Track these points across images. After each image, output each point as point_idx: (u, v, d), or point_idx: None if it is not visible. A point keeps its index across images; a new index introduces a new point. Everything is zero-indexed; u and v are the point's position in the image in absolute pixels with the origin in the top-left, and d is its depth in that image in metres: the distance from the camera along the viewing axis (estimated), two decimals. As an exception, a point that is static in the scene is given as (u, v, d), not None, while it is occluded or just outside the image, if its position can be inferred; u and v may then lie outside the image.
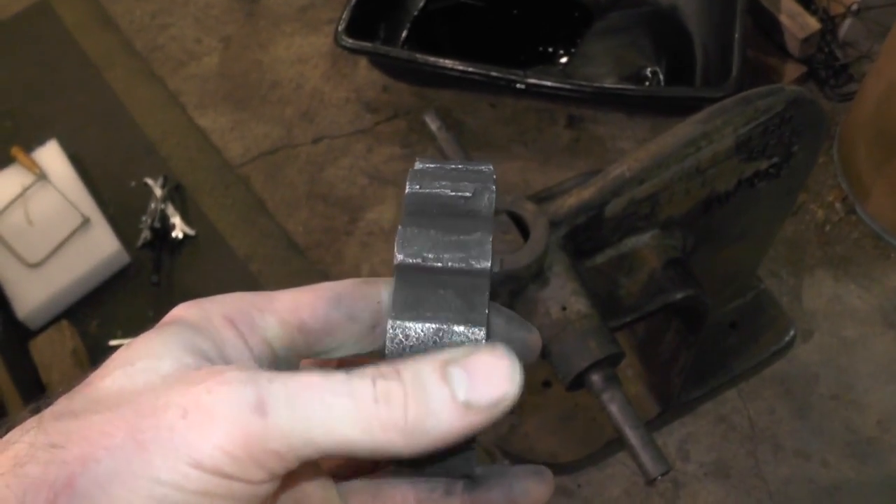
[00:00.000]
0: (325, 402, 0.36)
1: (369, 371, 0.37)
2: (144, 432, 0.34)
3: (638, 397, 1.65)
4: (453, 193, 0.43)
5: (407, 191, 0.43)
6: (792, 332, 1.77)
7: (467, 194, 0.43)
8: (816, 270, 1.90)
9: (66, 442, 0.34)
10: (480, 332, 0.39)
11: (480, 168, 0.44)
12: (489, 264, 0.40)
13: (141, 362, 0.38)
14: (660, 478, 1.03)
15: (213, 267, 1.95)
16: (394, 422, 0.36)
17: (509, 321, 0.46)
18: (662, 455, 1.02)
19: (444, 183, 0.43)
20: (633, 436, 1.01)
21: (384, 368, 0.38)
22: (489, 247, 0.40)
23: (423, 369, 0.38)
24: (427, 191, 0.43)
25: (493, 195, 0.42)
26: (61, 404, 0.37)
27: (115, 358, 0.39)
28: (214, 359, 0.40)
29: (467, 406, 0.37)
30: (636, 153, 1.10)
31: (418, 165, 0.44)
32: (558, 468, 1.66)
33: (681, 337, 1.47)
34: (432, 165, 0.44)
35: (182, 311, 0.43)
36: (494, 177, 0.43)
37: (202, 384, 0.36)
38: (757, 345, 1.75)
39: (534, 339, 0.47)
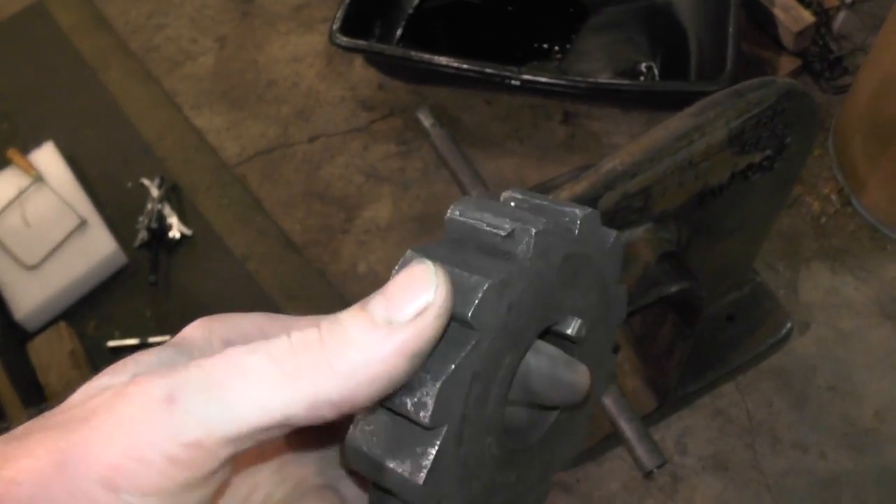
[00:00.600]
0: (242, 370, 0.33)
1: (283, 337, 0.34)
2: (63, 452, 0.33)
3: (635, 392, 1.66)
4: (488, 229, 0.38)
5: (447, 216, 0.39)
6: (789, 325, 1.77)
7: (501, 232, 0.38)
8: (813, 263, 1.91)
9: (3, 463, 0.33)
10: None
11: (562, 209, 0.40)
12: (469, 312, 0.35)
13: (105, 378, 0.36)
14: (656, 470, 1.03)
15: (211, 266, 1.96)
16: (315, 365, 0.33)
17: (553, 363, 0.42)
18: (658, 447, 1.02)
19: (485, 215, 0.39)
20: (628, 428, 1.02)
21: (301, 322, 0.36)
22: (480, 294, 0.35)
23: (340, 313, 0.35)
24: (464, 220, 0.39)
25: (533, 239, 0.37)
26: (29, 422, 0.36)
27: (100, 374, 0.38)
28: None
29: (389, 324, 0.34)
30: (628, 147, 1.10)
31: (506, 194, 0.41)
32: (557, 463, 1.66)
33: (677, 330, 1.47)
34: (520, 195, 0.41)
35: (190, 329, 0.41)
36: (578, 221, 0.39)
37: (121, 390, 0.34)
38: (754, 338, 1.75)
39: (580, 379, 0.43)
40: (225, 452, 0.34)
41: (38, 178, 2.01)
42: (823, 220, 1.95)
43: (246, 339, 0.38)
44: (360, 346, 0.34)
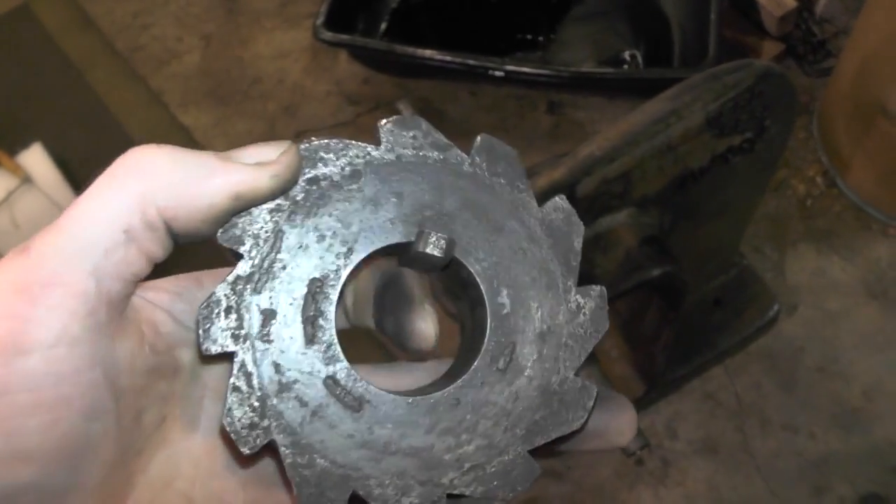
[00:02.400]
0: (85, 199, 0.37)
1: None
2: None
3: (624, 377, 1.67)
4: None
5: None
6: (776, 307, 1.78)
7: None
8: (799, 245, 1.92)
9: None
10: None
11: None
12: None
13: None
14: (638, 451, 1.04)
15: (200, 264, 1.96)
16: (153, 168, 0.38)
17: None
18: (639, 429, 1.03)
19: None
20: (610, 410, 1.03)
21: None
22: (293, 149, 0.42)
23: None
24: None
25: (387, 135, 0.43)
26: None
27: None
28: None
29: (227, 157, 0.40)
30: (606, 132, 1.11)
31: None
32: (549, 449, 1.67)
33: (662, 314, 1.48)
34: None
35: None
36: (475, 155, 0.44)
37: None
38: (741, 321, 1.76)
39: (625, 420, 0.46)
40: (104, 280, 0.37)
41: (26, 180, 2.02)
42: (809, 202, 1.97)
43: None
44: (195, 161, 0.39)
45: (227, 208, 0.40)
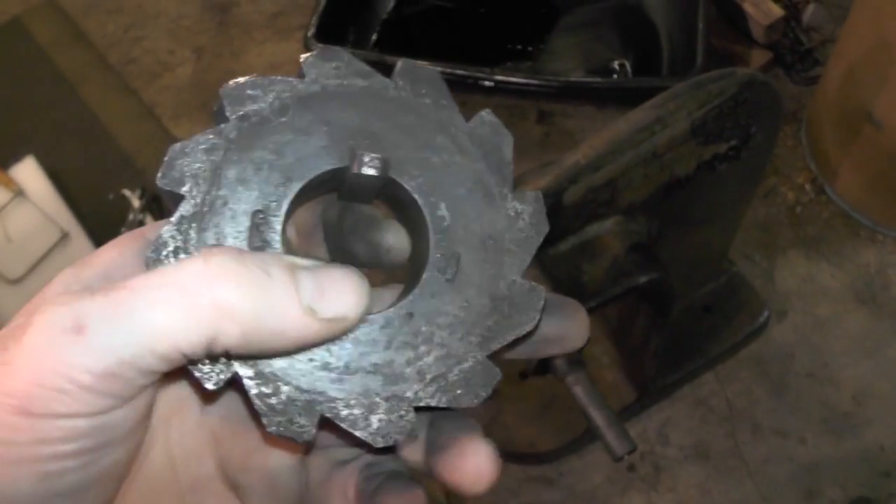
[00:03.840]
0: (150, 299, 0.34)
1: (198, 260, 0.36)
2: None
3: (615, 384, 1.67)
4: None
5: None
6: (766, 313, 1.79)
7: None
8: (789, 251, 1.93)
9: None
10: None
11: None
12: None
13: (20, 314, 0.37)
14: (626, 456, 1.05)
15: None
16: (230, 306, 0.34)
17: (546, 314, 0.45)
18: (627, 433, 1.04)
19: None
20: (597, 416, 1.04)
21: (220, 248, 0.37)
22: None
23: (269, 259, 0.37)
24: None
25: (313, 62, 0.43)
26: None
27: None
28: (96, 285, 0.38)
29: (310, 311, 0.37)
30: (591, 140, 1.12)
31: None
32: (538, 458, 1.68)
33: (651, 321, 1.49)
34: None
35: (108, 249, 0.42)
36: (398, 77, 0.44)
37: (28, 320, 0.34)
38: (731, 327, 1.77)
39: (580, 322, 0.47)
40: (139, 379, 0.35)
41: (19, 193, 2.03)
42: (798, 209, 1.98)
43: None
44: (277, 314, 0.36)
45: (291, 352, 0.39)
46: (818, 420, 1.74)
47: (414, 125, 0.45)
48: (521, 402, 1.67)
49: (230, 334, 0.35)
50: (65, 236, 1.97)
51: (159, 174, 0.41)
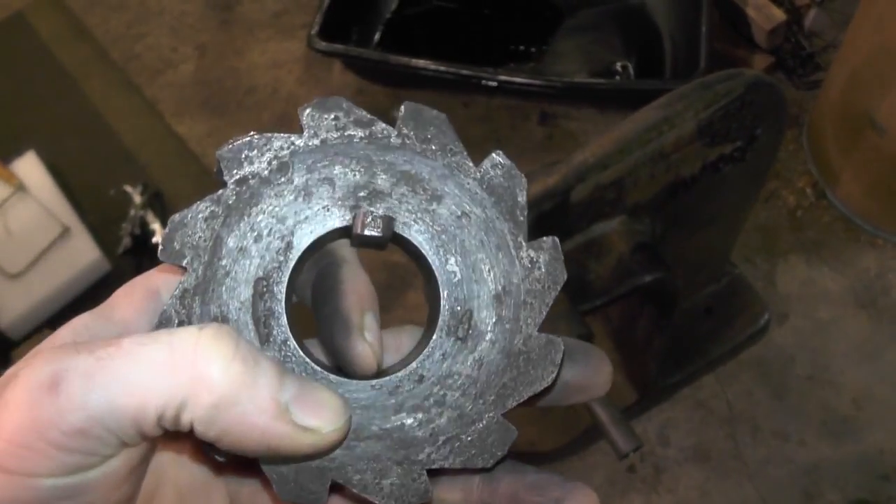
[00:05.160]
0: (135, 356, 0.34)
1: (193, 328, 0.36)
2: None
3: (616, 385, 1.67)
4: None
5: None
6: (767, 316, 1.79)
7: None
8: (790, 255, 1.94)
9: None
10: None
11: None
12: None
13: (21, 360, 0.37)
14: (632, 453, 1.05)
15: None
16: (209, 376, 0.34)
17: (569, 361, 0.44)
18: (633, 431, 1.04)
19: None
20: (603, 413, 1.04)
21: (220, 325, 0.36)
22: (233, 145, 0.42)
23: (262, 354, 0.37)
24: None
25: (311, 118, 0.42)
26: None
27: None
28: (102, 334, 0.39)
29: (285, 411, 0.36)
30: (599, 140, 1.13)
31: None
32: (539, 458, 1.67)
33: (653, 322, 1.49)
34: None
35: (121, 295, 0.42)
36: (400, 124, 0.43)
37: (15, 373, 0.34)
38: (732, 329, 1.78)
39: (604, 370, 0.44)
40: (111, 439, 0.34)
41: (19, 188, 2.02)
42: (799, 213, 1.99)
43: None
44: (248, 397, 0.35)
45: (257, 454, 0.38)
46: (818, 423, 1.75)
47: (420, 175, 0.43)
48: (523, 401, 1.67)
49: (201, 404, 0.34)
50: (65, 231, 1.96)
51: (160, 247, 0.41)
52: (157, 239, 1.99)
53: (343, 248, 0.46)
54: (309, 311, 0.46)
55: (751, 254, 1.93)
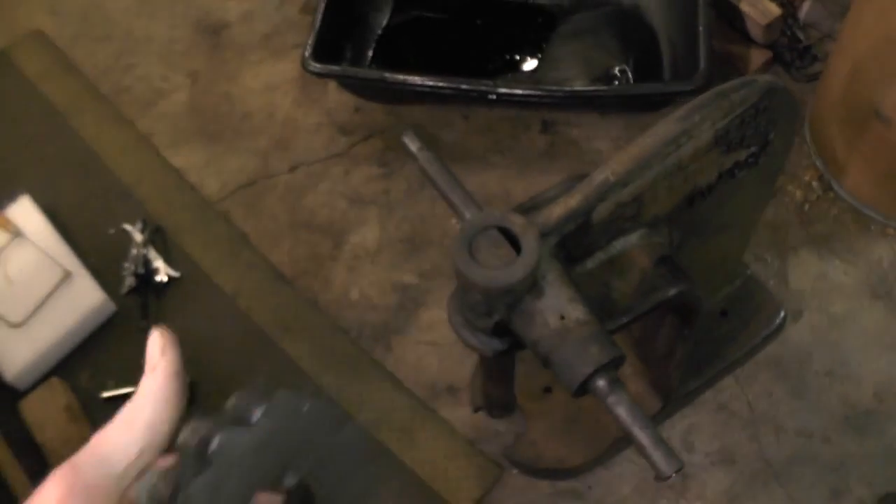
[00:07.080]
0: (107, 440, 0.66)
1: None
2: None
3: (639, 395, 1.66)
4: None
5: None
6: (782, 314, 1.79)
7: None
8: (800, 250, 1.93)
9: None
10: None
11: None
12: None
13: None
14: (674, 475, 1.03)
15: (201, 306, 1.93)
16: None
17: None
18: (673, 452, 1.02)
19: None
20: (643, 436, 1.02)
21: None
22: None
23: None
24: None
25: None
26: None
27: None
28: None
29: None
30: (618, 157, 1.11)
31: None
32: (567, 473, 1.66)
33: (676, 332, 1.48)
34: None
35: None
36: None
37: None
38: (748, 330, 1.77)
39: None
40: (122, 483, 0.64)
41: (16, 234, 1.98)
42: (807, 207, 1.98)
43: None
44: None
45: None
46: (840, 418, 1.74)
47: None
48: (547, 417, 1.65)
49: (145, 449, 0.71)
50: (67, 275, 1.92)
51: None
52: (161, 276, 1.96)
53: None
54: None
55: (761, 251, 1.93)
